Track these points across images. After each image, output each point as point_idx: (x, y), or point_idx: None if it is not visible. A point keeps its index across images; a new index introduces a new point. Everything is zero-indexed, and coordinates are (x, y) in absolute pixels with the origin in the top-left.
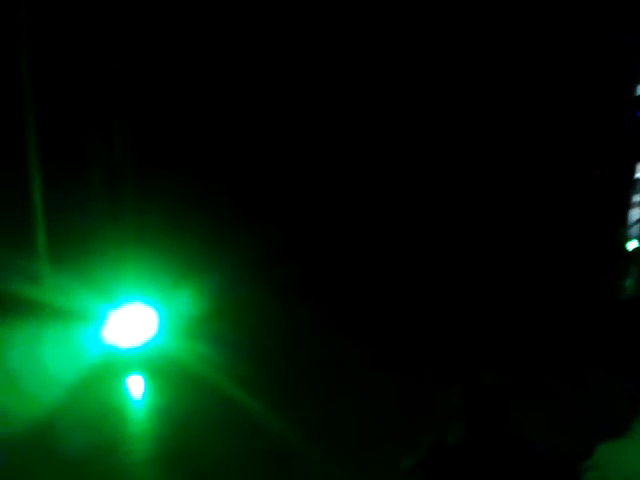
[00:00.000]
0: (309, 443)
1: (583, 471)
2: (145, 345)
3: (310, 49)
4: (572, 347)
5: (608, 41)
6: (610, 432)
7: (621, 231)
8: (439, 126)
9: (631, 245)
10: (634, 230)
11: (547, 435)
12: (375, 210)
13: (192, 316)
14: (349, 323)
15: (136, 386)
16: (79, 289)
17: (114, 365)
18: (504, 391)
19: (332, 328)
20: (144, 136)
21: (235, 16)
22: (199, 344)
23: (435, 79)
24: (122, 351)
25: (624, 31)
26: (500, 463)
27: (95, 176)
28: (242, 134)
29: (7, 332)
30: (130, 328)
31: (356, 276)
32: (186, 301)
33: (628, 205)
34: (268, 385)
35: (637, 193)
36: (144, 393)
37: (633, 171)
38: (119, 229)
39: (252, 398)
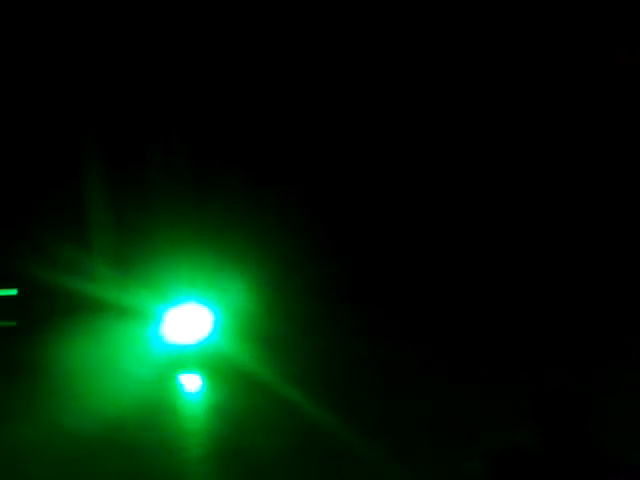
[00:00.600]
0: (367, 444)
1: None
2: (201, 343)
3: None
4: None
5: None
6: None
7: None
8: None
9: None
10: None
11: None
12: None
13: (247, 315)
14: (404, 324)
15: (192, 383)
16: (138, 288)
17: (171, 362)
18: (583, 396)
19: (387, 328)
20: (204, 134)
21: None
22: (254, 343)
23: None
24: (179, 349)
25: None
26: (574, 471)
27: (155, 176)
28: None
29: (70, 330)
30: (186, 326)
31: (407, 277)
32: (241, 301)
33: None
34: (324, 385)
35: None
36: (200, 390)
37: None
38: (178, 229)
39: (307, 398)
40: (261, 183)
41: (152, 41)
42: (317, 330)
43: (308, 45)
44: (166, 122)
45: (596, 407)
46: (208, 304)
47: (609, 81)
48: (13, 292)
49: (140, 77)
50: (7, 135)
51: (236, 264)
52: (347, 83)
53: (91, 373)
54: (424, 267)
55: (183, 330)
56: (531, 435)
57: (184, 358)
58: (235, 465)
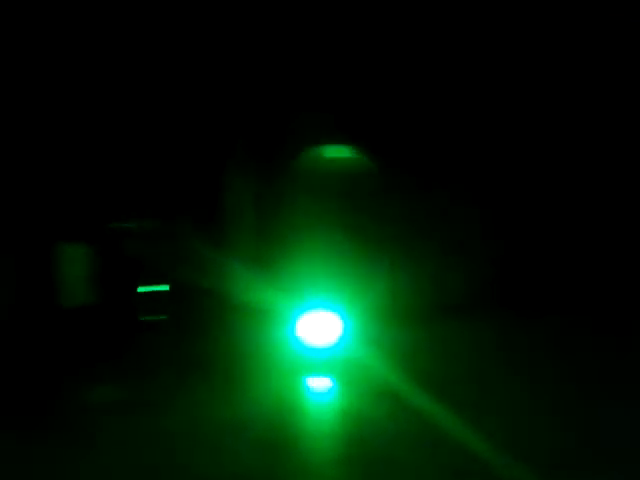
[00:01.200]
0: (494, 459)
1: None
2: (332, 348)
3: None
4: None
5: None
6: None
7: None
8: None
9: None
10: None
11: None
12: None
13: (376, 322)
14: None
15: (323, 386)
16: (279, 292)
17: (304, 365)
18: None
19: (519, 339)
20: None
21: None
22: (383, 350)
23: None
24: (311, 352)
25: None
26: None
27: (296, 184)
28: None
29: (216, 330)
30: (320, 330)
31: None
32: (371, 308)
33: None
34: (451, 394)
35: None
36: (330, 394)
37: None
38: (316, 241)
39: (434, 406)
40: (406, 188)
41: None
42: (448, 339)
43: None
44: (309, 127)
45: None
46: (342, 310)
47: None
48: (165, 287)
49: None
50: (160, 142)
51: (372, 271)
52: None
53: (232, 368)
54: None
55: (317, 334)
56: None
57: (317, 361)
58: (361, 472)
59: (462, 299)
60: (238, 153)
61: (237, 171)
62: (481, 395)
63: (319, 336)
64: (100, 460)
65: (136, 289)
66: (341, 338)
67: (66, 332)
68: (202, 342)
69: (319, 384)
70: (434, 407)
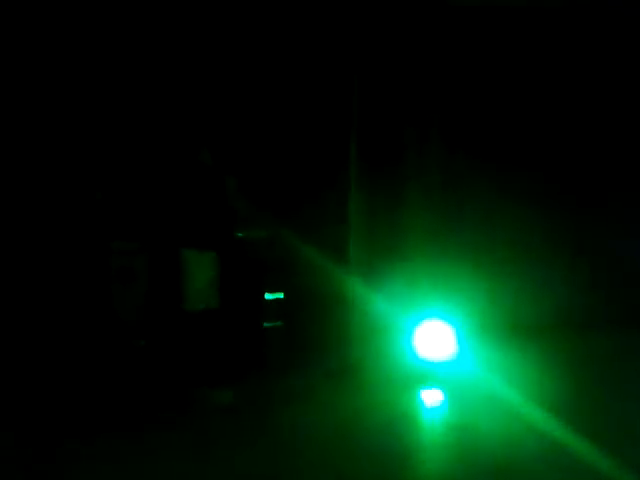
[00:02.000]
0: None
1: None
2: (448, 361)
3: None
4: None
5: None
6: None
7: None
8: None
9: None
10: None
11: None
12: None
13: (492, 334)
14: None
15: (437, 399)
16: (388, 298)
17: (419, 377)
18: None
19: None
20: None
21: None
22: (500, 362)
23: None
24: (424, 364)
25: None
26: None
27: (411, 192)
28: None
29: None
30: (432, 342)
31: None
32: (487, 318)
33: None
34: (569, 412)
35: None
36: (444, 406)
37: None
38: (432, 245)
39: (554, 424)
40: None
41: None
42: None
43: None
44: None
45: None
46: (458, 322)
47: None
48: (280, 295)
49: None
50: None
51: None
52: None
53: (347, 376)
54: None
55: (434, 346)
56: None
57: (432, 374)
58: None
59: (585, 312)
60: (353, 160)
61: (355, 177)
62: (599, 415)
63: (435, 348)
64: (220, 459)
65: (259, 295)
66: (457, 351)
67: (189, 335)
68: (318, 350)
69: (434, 397)
70: (551, 425)
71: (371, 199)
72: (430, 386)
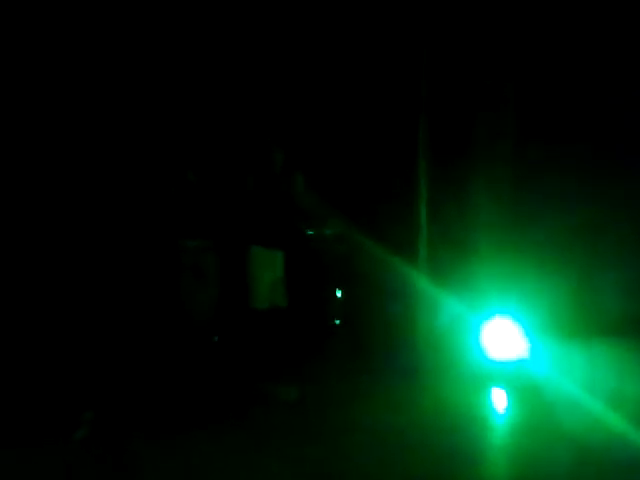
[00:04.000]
0: None
1: None
2: (516, 360)
3: None
4: None
5: None
6: None
7: None
8: None
9: None
10: None
11: None
12: None
13: (565, 333)
14: None
15: (505, 399)
16: (456, 296)
17: (487, 376)
18: None
19: None
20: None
21: None
22: (572, 362)
23: None
24: (493, 363)
25: None
26: None
27: (478, 187)
28: None
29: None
30: (501, 341)
31: None
32: (557, 316)
33: None
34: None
35: None
36: (514, 408)
37: None
38: (498, 240)
39: (629, 428)
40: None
41: None
42: None
43: None
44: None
45: None
46: (527, 320)
47: None
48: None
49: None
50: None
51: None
52: None
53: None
54: None
55: (502, 345)
56: None
57: (501, 373)
58: None
59: None
60: (422, 154)
61: (423, 172)
62: None
63: (504, 347)
64: (285, 454)
65: (326, 293)
66: (528, 350)
67: (257, 333)
68: (385, 348)
69: (503, 398)
70: (626, 429)
71: (440, 194)
72: (499, 386)
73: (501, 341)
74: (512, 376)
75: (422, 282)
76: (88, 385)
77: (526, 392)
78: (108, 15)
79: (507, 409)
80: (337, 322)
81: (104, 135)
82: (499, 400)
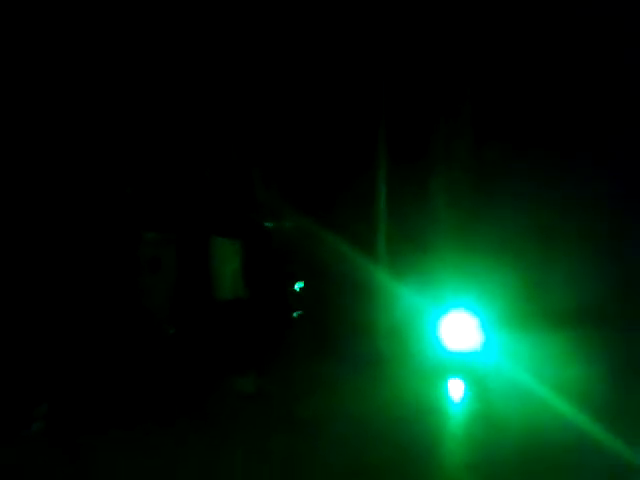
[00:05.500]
0: None
1: None
2: (473, 352)
3: None
4: None
5: None
6: None
7: None
8: None
9: None
10: None
11: None
12: None
13: (512, 325)
14: None
15: (459, 389)
16: (414, 290)
17: (444, 367)
18: None
19: None
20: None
21: None
22: (525, 353)
23: None
24: (450, 354)
25: None
26: None
27: (437, 185)
28: None
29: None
30: (457, 333)
31: None
32: (509, 310)
33: None
34: (597, 399)
35: None
36: (470, 397)
37: None
38: (456, 237)
39: (578, 414)
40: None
41: None
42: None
43: None
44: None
45: None
46: (483, 312)
47: None
48: (301, 284)
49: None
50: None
51: (509, 271)
52: None
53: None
54: None
55: (459, 336)
56: None
57: (457, 364)
58: (497, 478)
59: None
60: (381, 151)
61: (382, 169)
62: (623, 404)
63: (460, 339)
64: (243, 446)
65: (285, 285)
66: (483, 342)
67: (220, 324)
68: (344, 340)
69: (459, 387)
70: (575, 414)
71: (400, 190)
72: (455, 376)
73: (457, 333)
74: (468, 366)
75: (381, 275)
76: (42, 378)
77: (480, 381)
78: (89, 14)
79: (463, 398)
80: (297, 314)
81: (64, 126)
82: (455, 389)
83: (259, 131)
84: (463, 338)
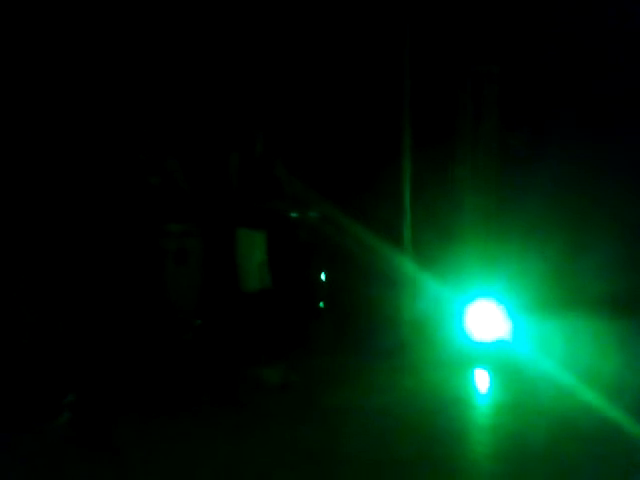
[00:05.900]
0: None
1: None
2: (497, 340)
3: None
4: None
5: None
6: None
7: None
8: None
9: None
10: None
11: None
12: None
13: (541, 313)
14: None
15: (485, 380)
16: (439, 278)
17: (469, 357)
18: None
19: None
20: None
21: None
22: (552, 342)
23: None
24: (476, 344)
25: None
26: None
27: (461, 170)
28: None
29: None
30: (484, 322)
31: None
32: (538, 298)
33: None
34: (626, 389)
35: None
36: (496, 387)
37: None
38: (482, 224)
39: (607, 404)
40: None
41: None
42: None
43: None
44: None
45: None
46: (507, 301)
47: None
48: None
49: None
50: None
51: (537, 258)
52: None
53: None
54: None
55: (484, 326)
56: None
57: (483, 354)
58: (517, 468)
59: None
60: (407, 139)
61: (408, 157)
62: None
63: (487, 328)
64: (270, 436)
65: (311, 276)
66: (510, 331)
67: (246, 315)
68: (369, 330)
69: (484, 378)
70: (604, 405)
71: (425, 178)
72: (482, 367)
73: (484, 322)
74: (494, 356)
75: (406, 264)
76: (70, 369)
77: (508, 372)
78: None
79: (490, 389)
80: (322, 305)
81: (81, 120)
82: (482, 380)
83: (285, 122)
84: (490, 327)
